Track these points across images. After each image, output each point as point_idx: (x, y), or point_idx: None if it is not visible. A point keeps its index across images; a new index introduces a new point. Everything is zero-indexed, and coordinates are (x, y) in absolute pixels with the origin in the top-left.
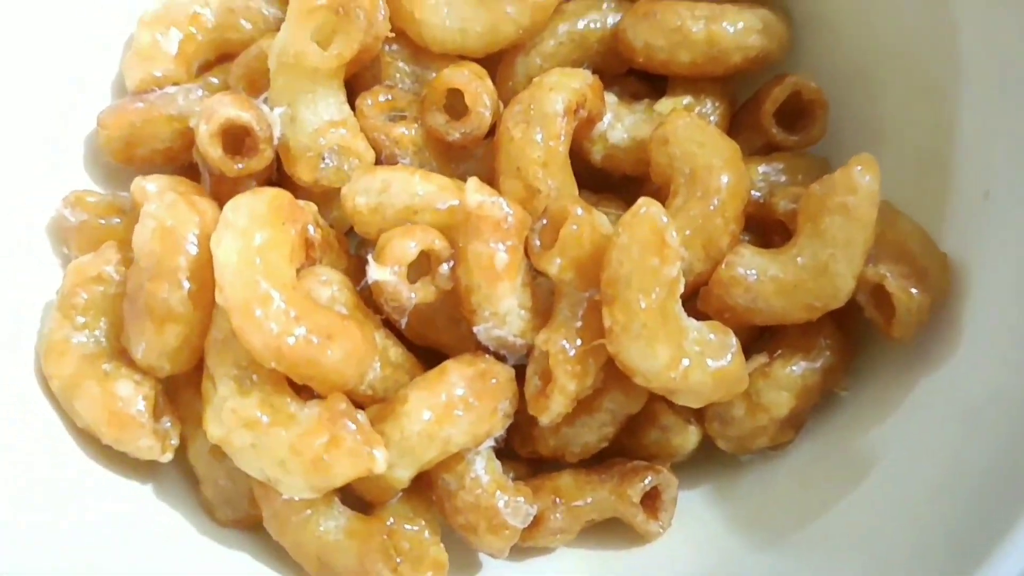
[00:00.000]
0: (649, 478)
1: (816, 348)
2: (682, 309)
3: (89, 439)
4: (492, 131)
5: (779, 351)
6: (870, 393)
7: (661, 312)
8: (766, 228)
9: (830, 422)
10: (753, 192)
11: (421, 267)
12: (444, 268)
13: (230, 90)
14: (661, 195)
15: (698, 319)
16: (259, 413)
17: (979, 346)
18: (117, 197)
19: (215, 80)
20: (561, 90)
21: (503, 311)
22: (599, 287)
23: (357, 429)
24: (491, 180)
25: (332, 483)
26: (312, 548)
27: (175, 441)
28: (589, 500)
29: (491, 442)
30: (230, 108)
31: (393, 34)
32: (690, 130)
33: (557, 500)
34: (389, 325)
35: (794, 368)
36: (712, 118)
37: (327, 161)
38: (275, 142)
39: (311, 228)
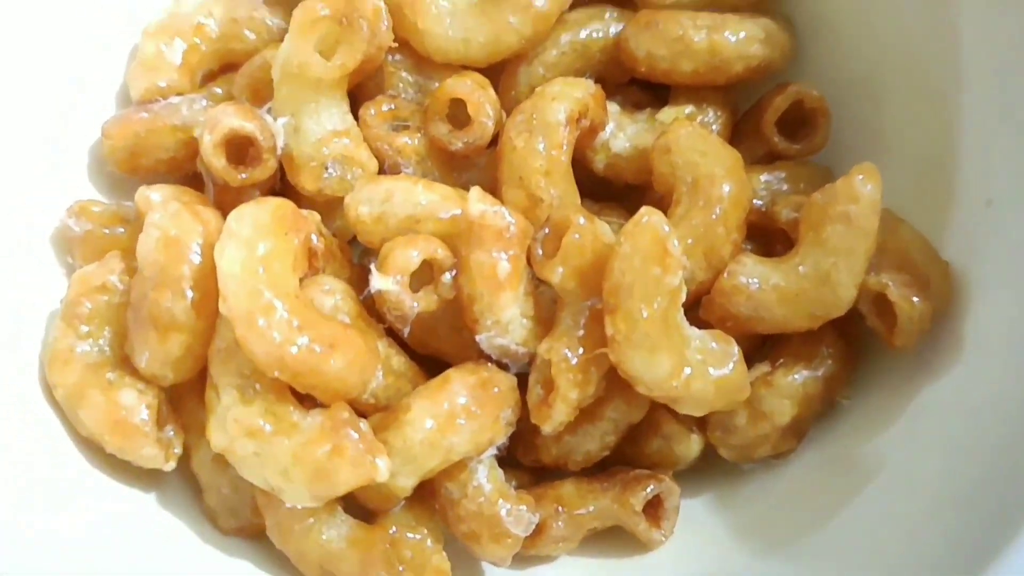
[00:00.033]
0: (651, 486)
1: (818, 357)
2: (684, 318)
3: (93, 447)
4: (495, 141)
5: (781, 360)
6: (872, 402)
7: (663, 321)
8: (768, 237)
9: (832, 430)
10: (755, 201)
11: (424, 276)
12: (447, 277)
13: (234, 100)
14: (663, 204)
15: (700, 328)
16: (262, 422)
17: (981, 354)
18: (121, 207)
19: (219, 90)
20: (563, 100)
21: (505, 320)
22: (601, 296)
23: (360, 438)
24: (493, 189)
25: (335, 492)
26: (315, 556)
27: (178, 450)
28: (591, 508)
29: (493, 450)
30: (234, 118)
31: (396, 44)
32: (692, 139)
33: (559, 508)
34: (392, 334)
35: (796, 377)
36: (714, 127)
37: (330, 171)
38: (279, 152)
39: (314, 238)
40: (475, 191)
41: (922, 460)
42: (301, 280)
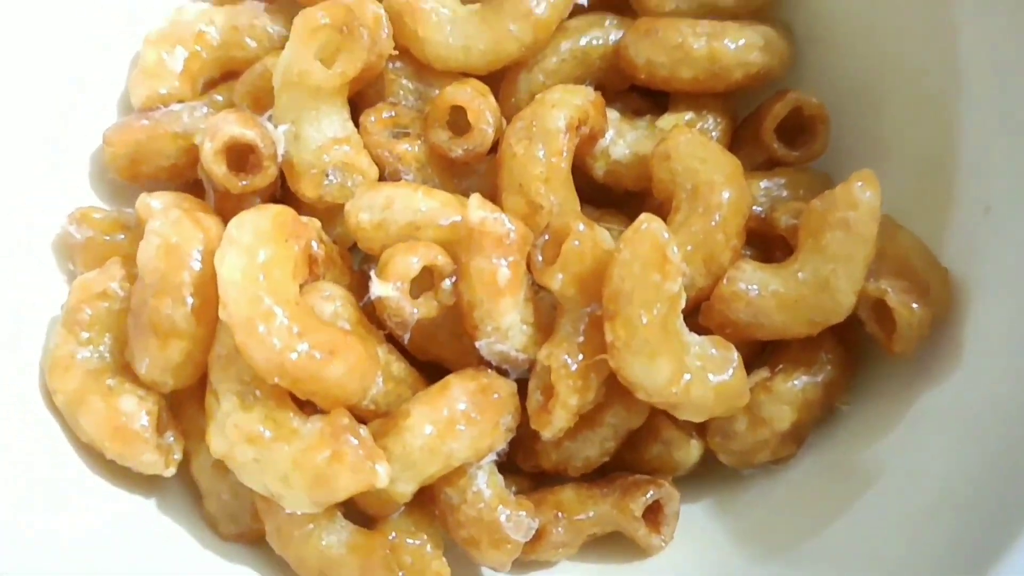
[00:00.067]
0: (651, 492)
1: (817, 363)
2: (684, 324)
3: (93, 453)
4: (495, 147)
5: (780, 366)
6: (871, 407)
7: (663, 327)
8: (768, 243)
9: (831, 436)
10: (754, 207)
11: (424, 283)
12: (447, 284)
13: (235, 108)
14: (663, 211)
15: (700, 334)
16: (262, 428)
17: (980, 360)
18: (122, 214)
19: (220, 98)
20: (563, 107)
21: (505, 326)
22: (601, 302)
23: (359, 444)
24: (493, 196)
25: (334, 497)
26: (314, 562)
27: (178, 456)
28: (591, 514)
29: (493, 456)
30: (234, 126)
31: (397, 52)
32: (692, 146)
33: (559, 514)
34: (392, 340)
35: (795, 382)
36: (714, 134)
37: (331, 178)
38: (279, 159)
39: (315, 244)
40: (475, 198)
41: (921, 466)
42: (301, 287)
